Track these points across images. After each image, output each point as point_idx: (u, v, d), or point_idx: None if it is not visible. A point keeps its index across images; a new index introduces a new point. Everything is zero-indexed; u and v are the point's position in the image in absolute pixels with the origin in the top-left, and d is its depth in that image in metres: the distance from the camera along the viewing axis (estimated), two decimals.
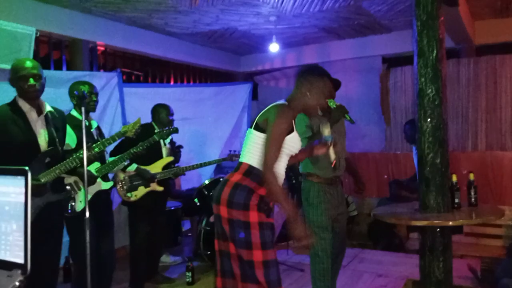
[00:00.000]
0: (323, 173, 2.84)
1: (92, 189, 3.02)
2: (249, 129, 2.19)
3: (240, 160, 2.19)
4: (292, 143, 2.17)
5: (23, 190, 1.22)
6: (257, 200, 2.06)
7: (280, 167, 2.15)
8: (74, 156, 2.44)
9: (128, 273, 3.75)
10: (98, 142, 2.66)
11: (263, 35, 5.76)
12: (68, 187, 2.73)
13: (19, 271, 1.21)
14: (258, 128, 2.12)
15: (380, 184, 6.01)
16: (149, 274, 3.98)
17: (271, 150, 2.04)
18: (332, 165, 2.52)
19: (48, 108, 2.54)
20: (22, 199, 1.22)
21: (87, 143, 2.68)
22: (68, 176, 2.71)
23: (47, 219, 2.38)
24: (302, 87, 2.21)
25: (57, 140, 2.48)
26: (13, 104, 2.44)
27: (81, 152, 2.41)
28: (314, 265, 2.85)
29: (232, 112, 6.34)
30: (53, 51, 4.63)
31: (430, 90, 2.79)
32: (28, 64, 2.46)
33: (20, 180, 1.23)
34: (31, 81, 2.41)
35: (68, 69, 4.70)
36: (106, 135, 4.44)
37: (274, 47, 5.42)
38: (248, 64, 7.33)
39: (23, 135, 2.37)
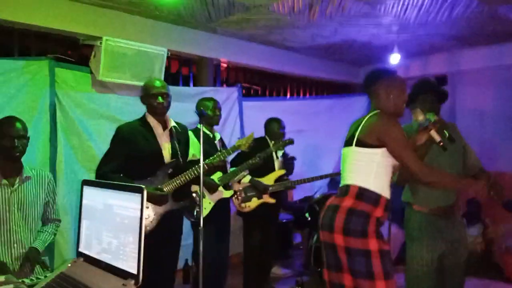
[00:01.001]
0: (426, 201, 2.47)
1: (215, 197, 3.22)
2: (346, 147, 2.08)
3: (345, 182, 2.07)
4: (391, 158, 2.02)
5: (139, 206, 1.33)
6: (375, 225, 1.94)
7: (385, 183, 2.01)
8: (194, 168, 2.61)
9: (240, 280, 3.87)
10: (215, 155, 2.81)
11: (385, 45, 5.52)
12: (194, 195, 2.94)
13: (133, 281, 1.32)
14: (362, 144, 2.00)
15: None
16: (261, 284, 4.06)
17: (409, 155, 1.95)
18: (440, 145, 2.17)
19: (172, 123, 2.76)
20: (138, 214, 1.33)
21: (211, 154, 2.87)
22: (194, 185, 2.93)
23: (167, 226, 2.57)
24: (380, 93, 2.11)
25: (179, 152, 2.67)
26: (143, 119, 2.71)
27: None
28: None
29: (347, 125, 6.17)
30: (182, 67, 5.05)
31: None
32: (158, 83, 2.71)
33: (137, 196, 1.34)
34: (160, 99, 2.65)
35: (195, 84, 5.08)
36: (227, 146, 4.71)
37: (395, 58, 5.17)
38: (372, 69, 7.10)
39: (150, 148, 2.60)
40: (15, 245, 2.41)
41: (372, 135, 1.98)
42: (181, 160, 2.66)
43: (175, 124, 2.78)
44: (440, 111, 2.70)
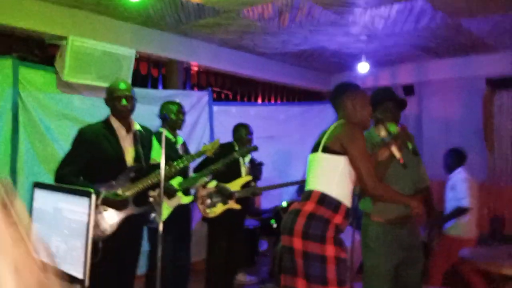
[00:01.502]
0: (385, 211, 2.47)
1: (173, 203, 3.19)
2: (312, 153, 2.10)
3: (308, 187, 2.09)
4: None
5: (88, 210, 1.30)
6: (334, 231, 1.96)
7: (347, 191, 2.04)
8: (157, 172, 2.58)
9: (203, 287, 3.84)
10: (179, 160, 2.78)
11: (354, 54, 5.62)
12: (151, 199, 2.90)
13: (78, 286, 1.29)
14: (328, 150, 2.03)
15: (479, 219, 5.43)
16: None
17: (365, 166, 2.00)
18: (401, 162, 2.22)
19: (137, 126, 2.72)
20: (86, 218, 1.30)
21: (172, 158, 2.84)
22: (152, 190, 2.89)
23: (128, 230, 2.53)
24: (347, 104, 2.18)
25: (142, 156, 2.64)
26: (106, 122, 2.66)
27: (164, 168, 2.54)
28: None
29: (318, 131, 6.22)
30: (152, 69, 5.00)
31: None
32: (122, 86, 2.66)
33: (85, 200, 1.31)
34: (124, 102, 2.60)
35: (164, 87, 5.03)
36: (194, 151, 4.67)
37: (363, 67, 5.26)
38: (337, 83, 7.19)
39: (112, 151, 2.55)
40: None
41: (337, 142, 2.02)
42: (144, 164, 2.62)
43: (139, 128, 2.74)
44: (400, 119, 2.73)
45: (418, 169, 2.68)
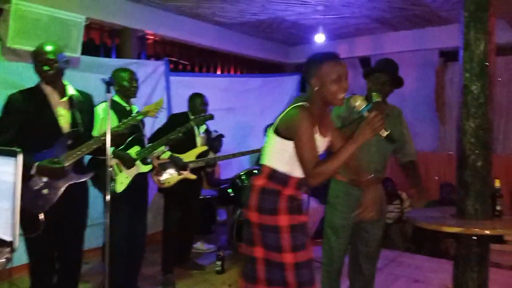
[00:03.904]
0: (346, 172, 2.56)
1: (132, 172, 3.13)
2: (270, 129, 2.06)
3: (262, 161, 2.09)
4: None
5: (14, 170, 1.25)
6: (286, 201, 1.99)
7: (297, 167, 2.01)
8: (96, 137, 2.50)
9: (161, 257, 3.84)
10: (121, 122, 2.68)
11: (312, 25, 5.62)
12: (110, 169, 2.81)
13: (8, 249, 1.25)
14: (279, 134, 1.99)
15: (430, 186, 5.69)
16: (181, 259, 4.06)
17: (307, 155, 1.88)
18: (384, 136, 1.91)
19: (71, 91, 2.58)
20: (13, 179, 1.26)
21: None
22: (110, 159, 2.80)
23: (71, 199, 2.46)
24: (310, 80, 2.00)
25: (80, 121, 2.54)
26: (37, 87, 2.50)
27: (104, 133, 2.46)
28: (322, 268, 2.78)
29: (278, 104, 6.24)
30: (105, 38, 4.82)
31: (474, 87, 2.56)
32: (46, 49, 2.46)
33: (11, 160, 1.26)
34: (46, 67, 2.44)
35: (118, 56, 4.87)
36: (151, 123, 4.57)
37: (320, 38, 5.27)
38: (297, 55, 7.19)
39: (44, 117, 2.43)
40: None
41: (284, 127, 1.98)
42: (82, 130, 2.53)
43: (75, 92, 2.60)
44: (387, 95, 2.76)
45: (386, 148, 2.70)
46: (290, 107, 2.00)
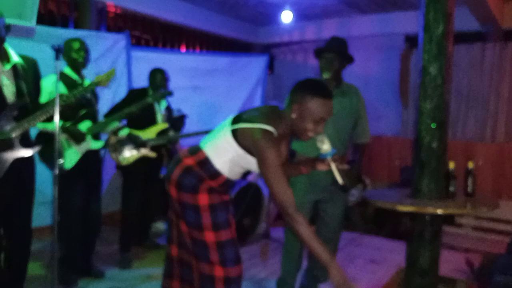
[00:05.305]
0: (306, 151, 2.63)
1: (82, 148, 3.01)
2: (228, 121, 1.94)
3: (201, 144, 2.01)
4: (249, 164, 1.94)
5: None
6: (206, 189, 1.96)
7: (231, 172, 1.98)
8: (44, 107, 2.37)
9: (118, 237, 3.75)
10: (69, 93, 2.54)
11: (279, 4, 5.53)
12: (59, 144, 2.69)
13: None
14: (235, 138, 1.87)
15: (391, 170, 5.79)
16: (140, 239, 3.99)
17: (279, 185, 1.74)
18: (341, 185, 1.96)
19: (15, 59, 2.42)
20: None
21: (79, 102, 2.62)
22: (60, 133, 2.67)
23: (18, 174, 2.34)
24: (293, 104, 1.87)
25: (25, 91, 2.39)
26: None
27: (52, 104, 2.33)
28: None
29: (245, 84, 6.19)
30: (63, 8, 4.58)
31: (432, 68, 2.59)
32: None
33: None
34: None
35: (76, 28, 4.65)
36: (110, 99, 4.41)
37: (287, 16, 5.16)
38: (265, 35, 7.10)
39: None
40: None
41: (246, 142, 1.85)
42: (28, 100, 2.39)
43: (19, 60, 2.44)
44: (340, 73, 2.77)
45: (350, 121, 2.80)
46: (256, 126, 1.81)
